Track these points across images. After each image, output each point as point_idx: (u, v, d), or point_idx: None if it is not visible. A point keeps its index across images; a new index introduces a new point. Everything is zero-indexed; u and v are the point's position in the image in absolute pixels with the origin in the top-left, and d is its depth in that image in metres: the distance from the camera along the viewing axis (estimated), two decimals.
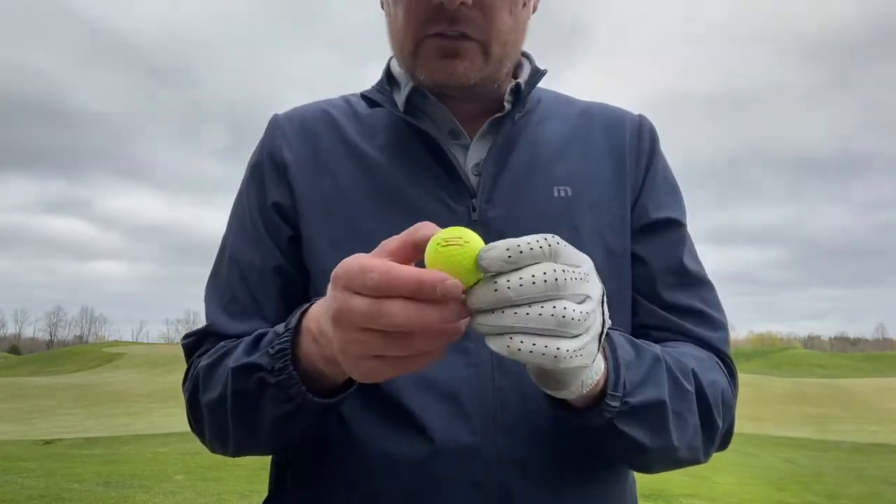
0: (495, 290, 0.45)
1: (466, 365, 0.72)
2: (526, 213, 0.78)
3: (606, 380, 0.60)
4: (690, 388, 0.69)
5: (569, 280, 0.46)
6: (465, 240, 0.46)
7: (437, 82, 0.76)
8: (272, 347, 0.63)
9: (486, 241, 0.46)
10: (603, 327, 0.51)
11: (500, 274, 0.45)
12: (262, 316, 0.78)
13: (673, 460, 0.69)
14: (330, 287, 0.49)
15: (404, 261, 0.48)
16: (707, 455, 0.73)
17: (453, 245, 0.45)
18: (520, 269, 0.45)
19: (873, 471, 7.80)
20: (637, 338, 0.73)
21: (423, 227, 0.48)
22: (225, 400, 0.68)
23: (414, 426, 0.70)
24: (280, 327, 0.65)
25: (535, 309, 0.45)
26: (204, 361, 0.74)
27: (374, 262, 0.46)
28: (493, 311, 0.45)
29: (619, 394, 0.61)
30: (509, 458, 0.71)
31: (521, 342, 0.45)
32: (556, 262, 0.46)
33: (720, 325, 0.82)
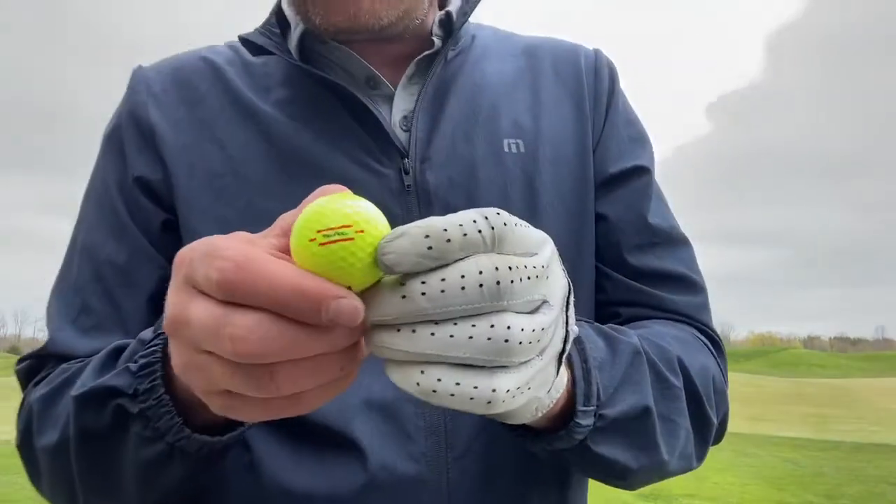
0: (403, 298, 0.30)
1: None
2: (474, 175, 0.61)
3: (574, 390, 0.46)
4: (678, 382, 0.56)
5: (517, 282, 0.31)
6: (358, 227, 0.29)
7: (336, 27, 0.58)
8: (134, 362, 0.45)
9: (426, 214, 0.32)
10: (565, 342, 0.37)
11: (413, 273, 0.30)
12: (125, 329, 0.59)
13: (662, 474, 0.57)
14: (173, 274, 0.33)
15: None
16: (701, 459, 0.61)
17: (337, 241, 0.29)
18: (444, 266, 0.30)
19: (873, 471, 7.78)
20: (603, 319, 0.64)
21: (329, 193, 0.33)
22: (67, 444, 0.49)
23: (340, 452, 0.54)
24: (147, 333, 0.48)
25: (463, 328, 0.30)
26: (39, 392, 0.54)
27: (231, 247, 0.30)
28: (398, 327, 0.31)
29: (591, 407, 0.47)
30: (463, 490, 0.56)
31: (439, 380, 0.31)
32: (499, 253, 0.31)
33: (699, 289, 0.68)
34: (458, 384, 0.31)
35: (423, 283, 0.30)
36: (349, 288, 0.30)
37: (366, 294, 0.31)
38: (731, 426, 0.70)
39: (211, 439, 0.46)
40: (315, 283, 0.29)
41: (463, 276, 0.30)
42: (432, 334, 0.31)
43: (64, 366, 0.56)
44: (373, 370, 0.52)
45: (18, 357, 0.62)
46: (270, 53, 0.64)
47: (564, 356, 0.38)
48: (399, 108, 0.63)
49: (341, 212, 0.30)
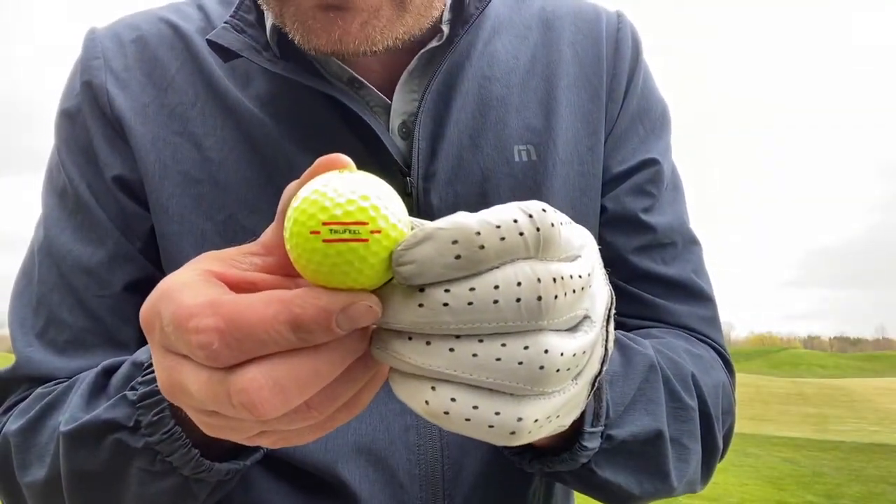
0: (420, 306, 0.25)
1: (400, 412, 0.51)
2: (482, 190, 0.54)
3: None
4: (693, 402, 0.51)
5: (561, 297, 0.26)
6: (374, 226, 0.25)
7: (318, 51, 0.48)
8: (132, 389, 0.40)
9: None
10: (603, 363, 0.32)
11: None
12: (115, 343, 0.51)
13: (665, 498, 0.53)
14: (146, 336, 0.29)
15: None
16: (705, 483, 0.56)
17: (347, 241, 0.24)
18: (476, 274, 0.25)
19: (873, 471, 7.78)
20: None
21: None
22: (57, 482, 0.43)
23: (333, 497, 0.50)
24: (142, 354, 0.42)
25: (490, 348, 0.26)
26: (14, 423, 0.47)
27: (202, 306, 0.25)
28: (409, 335, 0.26)
29: (599, 428, 0.43)
30: None
31: (453, 400, 0.26)
32: (541, 261, 0.26)
33: (705, 299, 0.61)
34: (475, 408, 0.26)
35: (447, 291, 0.25)
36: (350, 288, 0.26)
37: (379, 294, 0.26)
38: None
39: (232, 466, 0.42)
40: (312, 302, 0.25)
41: (497, 288, 0.25)
42: (451, 350, 0.26)
43: (40, 390, 0.48)
44: (362, 412, 0.48)
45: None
46: (239, 56, 0.52)
47: (599, 378, 0.32)
48: (398, 112, 0.54)
49: (355, 203, 0.25)
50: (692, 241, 0.62)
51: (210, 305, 0.25)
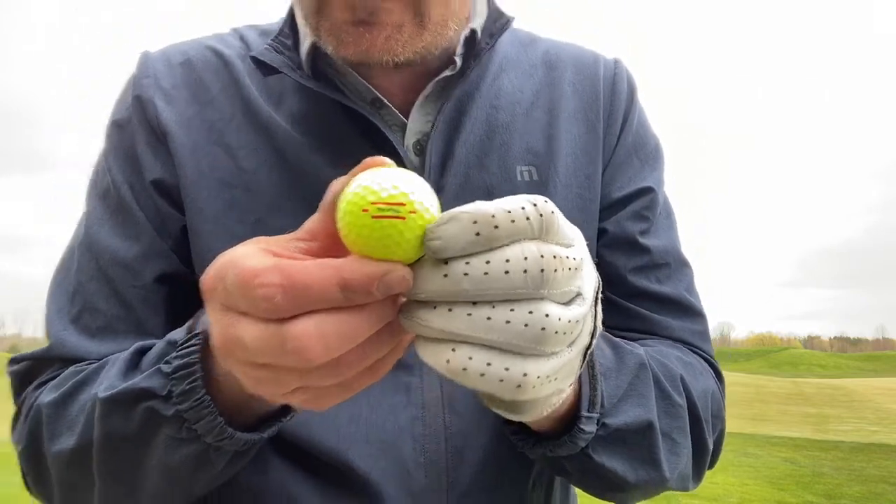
0: (444, 277, 0.31)
1: (407, 404, 0.56)
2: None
3: (579, 395, 0.47)
4: (682, 401, 0.56)
5: (559, 271, 0.32)
6: (411, 207, 0.31)
7: (347, 60, 0.56)
8: (168, 363, 0.44)
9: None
10: (593, 336, 0.37)
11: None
12: (143, 332, 0.57)
13: (660, 491, 0.57)
14: (205, 300, 0.34)
15: (333, 240, 0.33)
16: (697, 481, 0.60)
17: (389, 217, 0.30)
18: (490, 250, 0.31)
19: (873, 471, 7.79)
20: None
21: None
22: (87, 449, 0.47)
23: (342, 482, 0.54)
24: (176, 334, 0.46)
25: (501, 312, 0.31)
26: (48, 396, 0.51)
27: (262, 267, 0.30)
28: (434, 304, 0.32)
29: (594, 414, 0.48)
30: None
31: (470, 359, 0.31)
32: (543, 242, 0.32)
33: (697, 315, 0.67)
34: (489, 364, 0.31)
35: (467, 263, 0.31)
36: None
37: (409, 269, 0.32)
38: (732, 426, 0.70)
39: (252, 436, 0.46)
40: (358, 268, 0.30)
41: (508, 261, 0.31)
42: (469, 315, 0.31)
43: (73, 368, 0.53)
44: (372, 403, 0.55)
45: (10, 357, 0.59)
46: (278, 72, 0.59)
47: (590, 351, 0.37)
48: (413, 131, 0.60)
49: (397, 188, 0.31)
50: (684, 264, 0.68)
51: (275, 266, 0.30)
